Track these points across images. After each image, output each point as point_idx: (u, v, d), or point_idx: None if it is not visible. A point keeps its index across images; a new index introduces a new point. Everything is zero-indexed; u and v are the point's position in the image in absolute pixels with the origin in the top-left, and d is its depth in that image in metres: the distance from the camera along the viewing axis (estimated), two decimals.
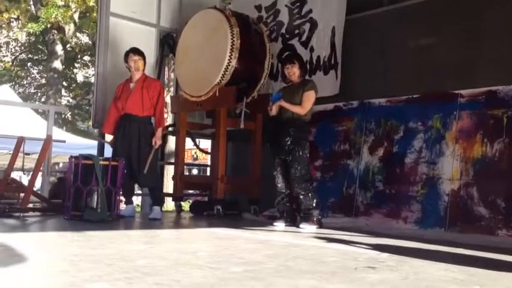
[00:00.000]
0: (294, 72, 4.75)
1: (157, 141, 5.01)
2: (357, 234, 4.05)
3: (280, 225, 4.61)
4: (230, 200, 5.95)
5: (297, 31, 6.07)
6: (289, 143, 4.59)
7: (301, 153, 4.58)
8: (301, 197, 4.56)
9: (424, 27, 5.10)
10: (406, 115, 4.94)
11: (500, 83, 4.40)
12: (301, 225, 4.47)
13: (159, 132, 5.05)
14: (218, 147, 5.45)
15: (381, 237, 3.90)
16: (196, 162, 14.43)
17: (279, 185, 4.74)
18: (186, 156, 7.12)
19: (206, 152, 7.31)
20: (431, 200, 4.55)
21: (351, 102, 5.43)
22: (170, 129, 6.33)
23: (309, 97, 4.64)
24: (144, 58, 5.13)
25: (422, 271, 2.46)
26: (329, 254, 2.92)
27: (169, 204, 8.64)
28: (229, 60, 5.22)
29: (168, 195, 6.64)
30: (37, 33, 14.96)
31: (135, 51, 5.10)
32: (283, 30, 6.22)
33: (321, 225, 4.51)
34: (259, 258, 2.70)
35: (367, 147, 5.17)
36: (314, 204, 4.55)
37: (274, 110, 4.69)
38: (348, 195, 5.17)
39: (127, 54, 5.11)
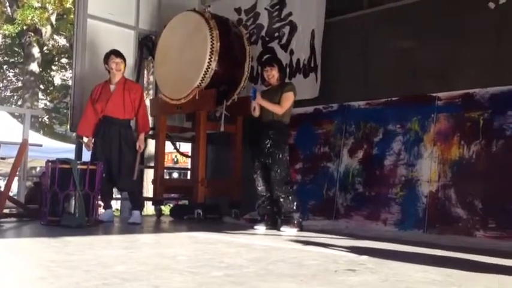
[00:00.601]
0: (273, 75, 4.75)
1: (141, 145, 4.98)
2: (337, 236, 4.07)
3: (261, 228, 4.60)
4: (210, 204, 5.92)
5: (276, 34, 6.08)
6: (269, 145, 4.59)
7: (281, 156, 4.59)
8: (282, 200, 4.56)
9: (404, 31, 5.15)
10: (385, 118, 4.98)
11: (477, 86, 4.48)
12: (281, 228, 4.47)
13: (142, 136, 5.02)
14: (198, 150, 5.43)
15: (361, 240, 3.92)
16: (177, 165, 14.35)
17: (259, 188, 4.73)
18: (166, 160, 7.07)
19: (186, 156, 7.27)
20: (410, 201, 4.59)
21: (331, 105, 5.46)
22: (150, 132, 6.27)
23: (288, 97, 4.65)
24: (125, 61, 5.09)
25: (401, 273, 2.47)
26: (309, 257, 2.93)
27: (149, 208, 8.57)
28: (209, 63, 5.20)
29: (148, 199, 6.58)
30: (13, 35, 14.74)
31: (117, 53, 5.05)
32: (263, 33, 6.22)
33: (301, 228, 4.51)
34: (240, 262, 2.68)
35: (347, 149, 5.19)
36: (294, 207, 4.55)
37: (257, 110, 4.69)
38: (328, 197, 5.18)
39: (108, 56, 5.05)
